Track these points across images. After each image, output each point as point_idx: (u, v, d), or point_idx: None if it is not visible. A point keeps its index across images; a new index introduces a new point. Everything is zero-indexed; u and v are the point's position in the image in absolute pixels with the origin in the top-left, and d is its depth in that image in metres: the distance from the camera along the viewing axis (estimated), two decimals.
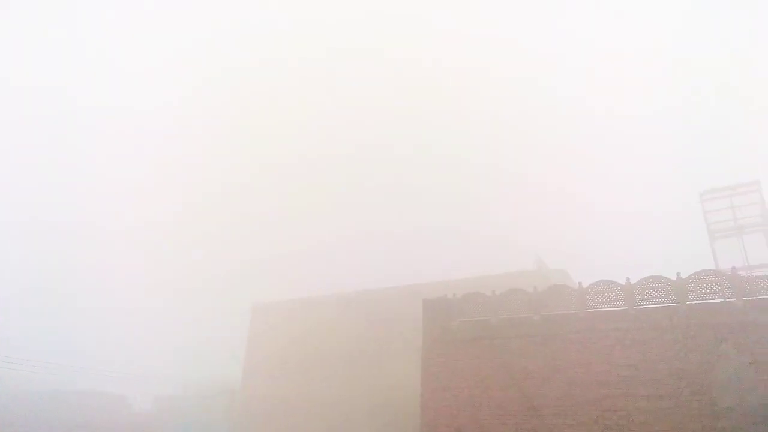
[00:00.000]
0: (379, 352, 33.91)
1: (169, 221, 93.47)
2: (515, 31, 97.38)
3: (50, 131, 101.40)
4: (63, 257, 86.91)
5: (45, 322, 71.36)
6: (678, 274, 18.90)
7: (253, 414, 36.70)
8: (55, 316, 74.38)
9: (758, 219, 26.62)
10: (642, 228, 73.93)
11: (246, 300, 43.35)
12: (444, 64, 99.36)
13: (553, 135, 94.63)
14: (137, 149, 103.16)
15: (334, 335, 36.07)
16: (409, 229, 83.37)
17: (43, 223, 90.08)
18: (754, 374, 16.75)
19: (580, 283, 20.69)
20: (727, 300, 18.01)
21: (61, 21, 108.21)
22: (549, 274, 32.72)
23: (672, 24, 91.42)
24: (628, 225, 76.54)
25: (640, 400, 17.84)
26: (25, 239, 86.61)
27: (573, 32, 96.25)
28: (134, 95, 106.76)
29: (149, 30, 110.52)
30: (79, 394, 44.54)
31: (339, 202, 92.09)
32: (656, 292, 18.98)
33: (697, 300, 18.41)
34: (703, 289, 18.48)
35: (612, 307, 19.54)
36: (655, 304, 18.94)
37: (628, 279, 19.58)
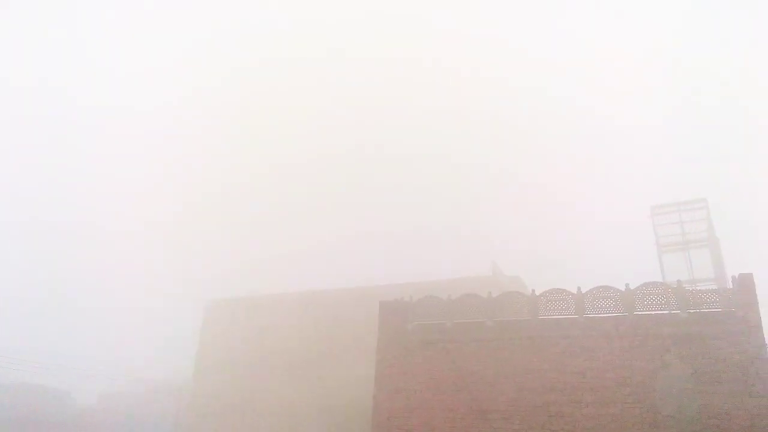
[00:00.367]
0: (334, 353, 33.78)
1: (161, 221, 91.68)
2: (515, 32, 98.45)
3: (50, 131, 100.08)
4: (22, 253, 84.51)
5: None
6: (627, 285, 19.49)
7: (202, 412, 36.03)
8: None
9: (704, 235, 27.71)
10: (601, 237, 75.67)
11: (200, 297, 42.65)
12: (444, 65, 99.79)
13: (532, 136, 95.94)
14: (136, 149, 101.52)
15: (288, 335, 35.74)
16: (367, 232, 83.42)
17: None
18: (695, 384, 17.39)
19: (533, 291, 21.14)
20: (672, 312, 18.64)
21: (61, 21, 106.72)
22: (504, 280, 33.26)
23: (672, 26, 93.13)
24: (586, 234, 78.27)
25: (586, 406, 18.30)
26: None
27: (572, 33, 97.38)
28: (134, 95, 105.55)
29: (149, 30, 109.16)
30: (18, 388, 42.91)
31: (302, 204, 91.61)
32: (605, 301, 19.51)
33: (644, 311, 19.00)
34: (650, 300, 19.09)
35: (563, 314, 19.99)
36: (604, 313, 19.46)
37: (579, 288, 20.06)
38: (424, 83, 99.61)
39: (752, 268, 18.74)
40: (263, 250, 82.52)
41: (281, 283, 49.48)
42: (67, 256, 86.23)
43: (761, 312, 17.80)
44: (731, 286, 18.92)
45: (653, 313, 18.84)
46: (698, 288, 22.18)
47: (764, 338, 17.37)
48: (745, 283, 18.09)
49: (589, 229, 78.53)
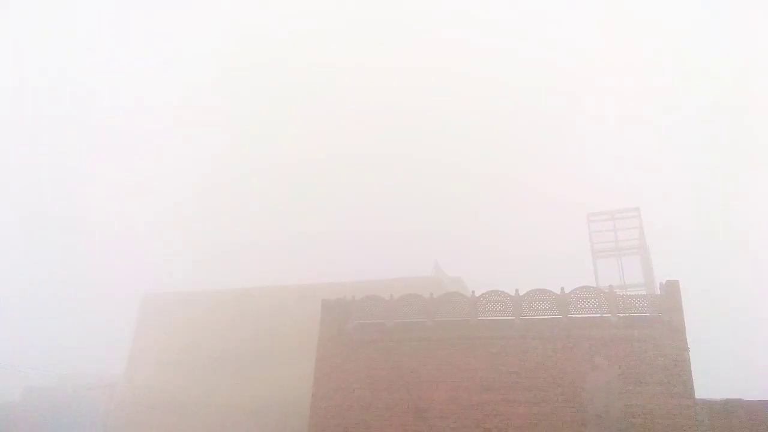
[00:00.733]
0: (273, 351, 33.42)
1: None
2: (515, 37, 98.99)
3: (49, 130, 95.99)
4: None
5: None
6: (562, 288, 20.15)
7: (135, 408, 34.93)
8: None
9: (636, 242, 28.99)
10: (544, 241, 77.52)
11: (134, 290, 41.37)
12: (444, 69, 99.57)
13: (482, 136, 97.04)
14: (134, 149, 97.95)
15: (226, 331, 35.12)
16: (311, 231, 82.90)
17: None
18: (621, 384, 18.17)
19: (473, 292, 21.58)
20: (604, 315, 19.41)
21: (61, 20, 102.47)
22: (446, 281, 33.75)
23: (672, 29, 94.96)
24: (529, 236, 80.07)
25: (519, 405, 18.82)
26: None
27: (572, 35, 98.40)
28: (134, 95, 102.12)
29: (151, 30, 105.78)
30: None
31: (251, 204, 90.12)
32: (541, 304, 20.13)
33: (577, 314, 19.72)
34: (583, 303, 19.81)
35: (500, 316, 20.51)
36: (540, 315, 20.07)
37: (517, 290, 20.61)
38: (423, 87, 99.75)
39: (679, 275, 19.76)
40: (205, 246, 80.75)
41: (221, 278, 48.63)
42: None
43: (685, 317, 18.75)
44: (659, 292, 19.86)
45: (586, 316, 19.57)
46: (628, 293, 23.14)
47: (686, 342, 18.30)
48: (672, 290, 19.02)
49: (531, 233, 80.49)
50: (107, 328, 56.13)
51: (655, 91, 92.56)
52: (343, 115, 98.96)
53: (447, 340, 20.67)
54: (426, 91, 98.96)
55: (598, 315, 19.47)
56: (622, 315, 19.15)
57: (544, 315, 20.01)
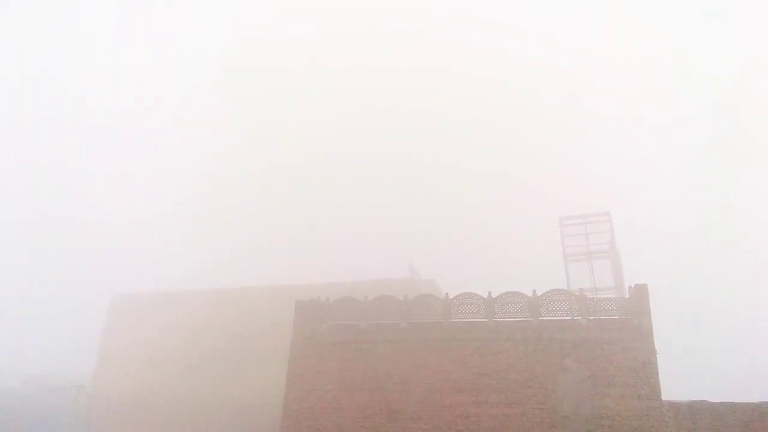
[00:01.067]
0: (245, 351, 33.15)
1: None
2: (515, 37, 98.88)
3: (49, 129, 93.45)
4: None
5: None
6: (534, 291, 20.41)
7: (104, 410, 34.33)
8: None
9: (606, 246, 29.51)
10: (520, 243, 77.95)
11: (104, 291, 40.67)
12: (443, 69, 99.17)
13: (461, 137, 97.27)
14: (131, 149, 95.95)
15: (197, 332, 34.73)
16: (287, 231, 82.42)
17: None
18: (590, 386, 18.46)
19: (446, 294, 21.72)
20: (574, 318, 19.71)
21: (61, 20, 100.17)
22: (420, 283, 33.88)
23: (672, 29, 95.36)
24: (504, 239, 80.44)
25: (491, 406, 19.00)
26: None
27: (572, 35, 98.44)
28: (134, 95, 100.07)
29: (151, 30, 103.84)
30: None
31: (230, 204, 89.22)
32: (513, 306, 20.37)
33: (548, 316, 19.98)
34: (554, 306, 20.09)
35: (473, 318, 20.68)
36: (512, 317, 20.29)
37: (489, 293, 20.81)
38: (421, 87, 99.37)
39: (647, 279, 20.15)
40: (178, 248, 79.71)
41: (194, 278, 48.08)
42: None
43: (653, 320, 19.13)
44: (628, 296, 20.22)
45: (557, 318, 19.84)
46: (598, 296, 23.55)
47: (654, 345, 18.67)
48: (640, 293, 19.39)
49: (508, 235, 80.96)
50: (75, 329, 55.02)
51: (655, 91, 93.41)
52: (335, 115, 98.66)
53: (420, 342, 20.77)
54: (424, 91, 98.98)
55: (569, 318, 19.76)
56: (592, 318, 19.47)
57: (516, 317, 20.24)
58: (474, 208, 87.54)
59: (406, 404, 19.84)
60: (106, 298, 39.10)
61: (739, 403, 17.87)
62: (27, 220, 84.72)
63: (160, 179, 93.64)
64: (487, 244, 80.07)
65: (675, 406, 17.92)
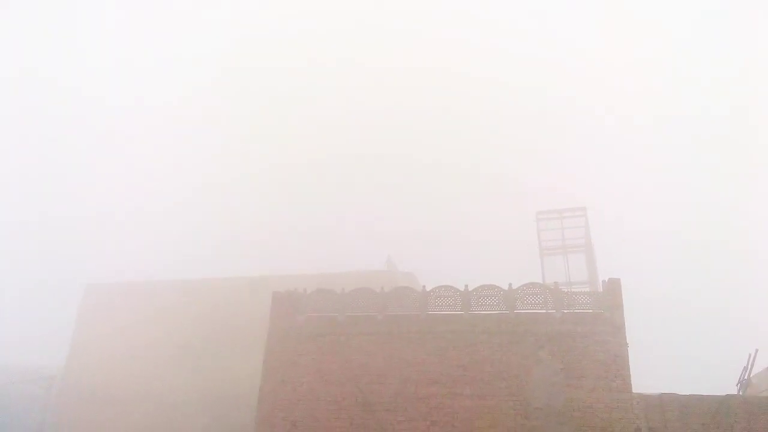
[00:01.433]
0: (222, 343, 32.96)
1: None
2: (514, 36, 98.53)
3: (50, 127, 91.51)
4: None
5: None
6: (510, 284, 20.62)
7: (76, 402, 33.85)
8: None
9: (581, 241, 29.94)
10: (493, 238, 78.48)
11: (76, 280, 40.04)
12: (442, 69, 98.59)
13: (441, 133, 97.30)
14: (126, 149, 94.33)
15: (173, 323, 34.39)
16: (264, 223, 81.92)
17: None
18: (563, 379, 18.75)
19: (423, 287, 21.84)
20: (549, 311, 19.97)
21: (60, 20, 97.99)
22: (398, 275, 33.98)
23: (672, 32, 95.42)
24: (482, 232, 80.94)
25: (465, 398, 19.18)
26: None
27: (572, 35, 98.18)
28: (130, 92, 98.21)
29: (152, 30, 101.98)
30: None
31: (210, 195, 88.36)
32: (490, 299, 20.55)
33: (523, 309, 20.21)
34: (529, 299, 20.34)
35: (450, 310, 20.82)
36: (487, 310, 20.48)
37: (466, 286, 20.97)
38: (420, 87, 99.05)
39: (620, 273, 20.51)
40: (153, 237, 78.72)
41: (170, 269, 47.55)
42: None
43: (625, 314, 19.49)
44: (601, 290, 20.56)
45: (532, 311, 20.09)
46: (573, 290, 23.90)
47: (626, 338, 19.04)
48: (613, 287, 19.73)
49: (486, 228, 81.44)
50: (46, 319, 54.09)
51: (654, 90, 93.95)
52: (320, 114, 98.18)
53: (397, 334, 20.85)
54: (414, 89, 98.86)
55: (544, 311, 20.03)
56: (566, 311, 19.76)
57: (492, 310, 20.43)
58: (453, 202, 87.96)
59: (382, 396, 19.93)
60: (79, 288, 38.49)
61: (706, 395, 18.36)
62: None
63: (142, 174, 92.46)
64: (465, 237, 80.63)
65: (645, 398, 18.31)
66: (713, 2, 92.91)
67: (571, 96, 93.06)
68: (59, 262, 72.26)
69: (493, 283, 20.96)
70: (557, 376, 18.81)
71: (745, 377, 20.57)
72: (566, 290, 23.00)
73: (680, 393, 18.55)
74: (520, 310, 20.20)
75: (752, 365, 20.37)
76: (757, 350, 20.42)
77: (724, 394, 18.64)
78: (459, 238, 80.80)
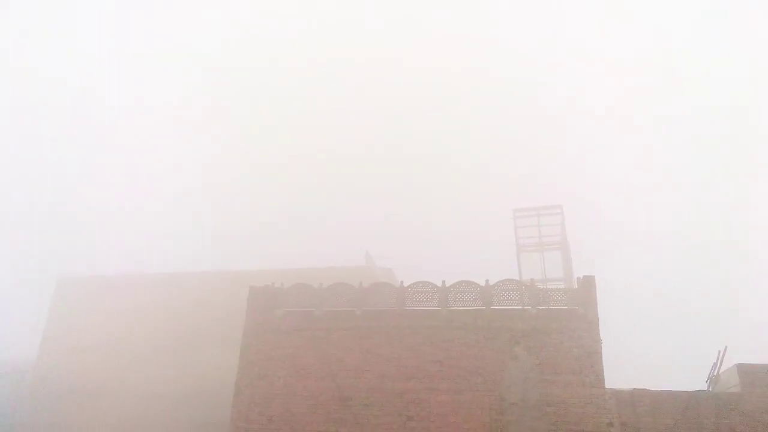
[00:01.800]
0: (198, 338, 32.67)
1: None
2: (514, 33, 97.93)
3: (51, 125, 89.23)
4: None
5: None
6: (486, 280, 20.78)
7: (48, 397, 33.29)
8: None
9: (557, 238, 30.30)
10: (473, 234, 78.75)
11: (49, 273, 39.34)
12: (441, 65, 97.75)
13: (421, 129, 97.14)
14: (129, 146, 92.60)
15: (149, 317, 34.01)
16: (242, 217, 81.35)
17: None
18: (538, 375, 18.97)
19: (401, 282, 21.92)
20: (525, 307, 20.17)
21: (59, 19, 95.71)
22: (376, 271, 34.00)
23: (673, 32, 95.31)
24: (460, 227, 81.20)
25: (441, 393, 19.31)
26: None
27: (573, 33, 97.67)
28: (134, 91, 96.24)
29: (150, 27, 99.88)
30: None
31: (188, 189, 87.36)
32: (466, 295, 20.69)
33: (500, 305, 20.38)
34: (506, 295, 20.51)
35: (427, 306, 20.93)
36: (464, 306, 20.62)
37: (443, 281, 21.08)
38: (419, 84, 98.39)
39: (595, 270, 20.80)
40: (128, 231, 77.62)
41: (144, 263, 47.01)
42: None
43: (599, 310, 19.77)
44: (576, 286, 20.81)
45: (508, 307, 20.27)
46: (549, 287, 24.18)
47: (599, 334, 19.31)
48: (588, 284, 19.99)
49: (466, 224, 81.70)
50: (17, 313, 53.07)
51: (655, 89, 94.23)
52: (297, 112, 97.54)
53: (374, 329, 20.90)
54: (405, 88, 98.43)
55: (520, 307, 20.23)
56: (541, 307, 19.98)
57: (469, 306, 20.58)
58: (433, 198, 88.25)
59: (358, 391, 19.97)
60: (52, 281, 37.84)
61: (677, 391, 18.73)
62: None
63: (125, 170, 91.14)
64: (444, 233, 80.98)
65: (617, 394, 18.61)
66: (714, 2, 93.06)
67: (569, 94, 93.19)
68: (32, 255, 70.93)
69: (471, 279, 21.11)
70: (532, 371, 19.02)
71: (715, 373, 20.99)
72: (542, 287, 23.30)
73: (652, 388, 18.87)
74: (496, 306, 20.36)
75: (721, 362, 20.79)
76: (726, 347, 20.83)
77: (694, 389, 19.03)
78: (438, 233, 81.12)
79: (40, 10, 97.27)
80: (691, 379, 23.83)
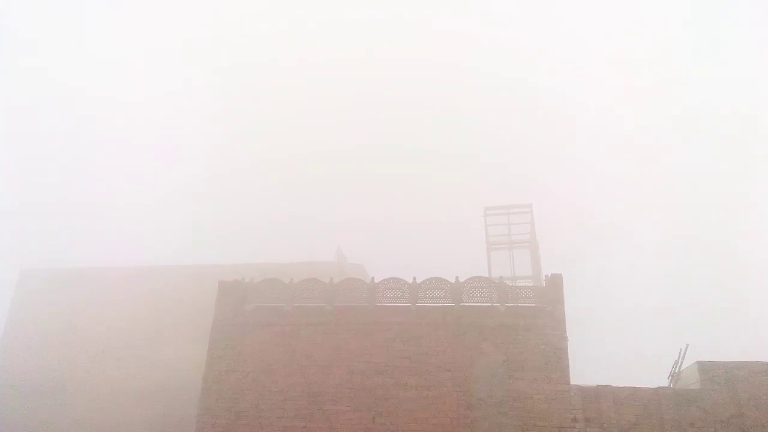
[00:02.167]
0: (166, 333, 32.22)
1: None
2: (515, 31, 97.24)
3: (51, 123, 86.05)
4: None
5: None
6: (456, 277, 20.97)
7: (7, 393, 32.46)
8: None
9: (527, 237, 30.71)
10: (443, 233, 79.08)
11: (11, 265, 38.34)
12: (440, 63, 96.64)
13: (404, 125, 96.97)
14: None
15: (114, 311, 33.37)
16: (212, 212, 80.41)
17: None
18: (505, 371, 19.24)
19: (372, 278, 21.99)
20: (494, 304, 20.43)
21: (57, 18, 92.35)
22: (347, 267, 33.97)
23: (673, 31, 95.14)
24: (432, 226, 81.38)
25: (410, 389, 19.45)
26: None
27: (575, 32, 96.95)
28: (135, 88, 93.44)
29: (159, 21, 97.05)
30: None
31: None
32: (437, 291, 20.86)
33: (469, 302, 20.60)
34: (475, 292, 20.74)
35: (398, 302, 21.03)
36: (434, 303, 20.79)
37: (414, 278, 21.22)
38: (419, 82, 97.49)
39: (562, 268, 21.13)
40: (97, 223, 76.02)
41: (112, 257, 46.16)
42: None
43: (566, 308, 20.13)
44: (544, 284, 21.15)
45: (477, 304, 20.50)
46: (517, 284, 24.50)
47: (566, 332, 19.67)
48: (555, 282, 20.35)
49: (437, 222, 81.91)
50: None
51: (655, 89, 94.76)
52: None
53: (344, 325, 20.92)
54: (395, 82, 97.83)
55: (489, 304, 20.48)
56: (510, 305, 20.25)
57: (439, 303, 20.74)
58: (405, 195, 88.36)
59: (327, 387, 19.98)
60: (14, 273, 36.88)
61: (639, 387, 19.21)
62: None
63: (102, 164, 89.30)
64: (415, 230, 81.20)
65: (582, 390, 18.99)
66: (714, 2, 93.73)
67: (566, 94, 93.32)
68: None
69: (441, 276, 21.28)
70: (500, 367, 19.28)
71: (676, 370, 21.58)
72: (511, 284, 23.60)
73: (615, 385, 19.30)
74: (466, 303, 20.57)
75: (683, 359, 21.38)
76: (687, 345, 21.42)
77: (656, 386, 19.52)
78: (409, 231, 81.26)
79: (40, 10, 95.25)
80: (654, 376, 24.45)
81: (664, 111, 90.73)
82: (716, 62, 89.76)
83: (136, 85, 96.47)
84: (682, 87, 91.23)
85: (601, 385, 19.22)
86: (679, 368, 21.48)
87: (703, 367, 19.23)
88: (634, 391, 19.06)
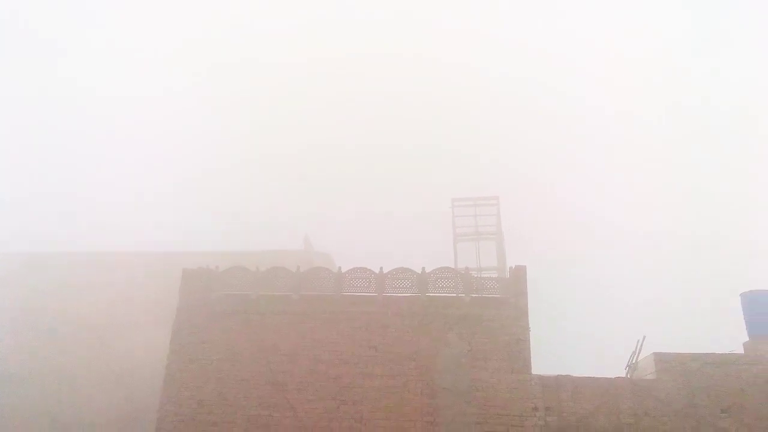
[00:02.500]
0: (127, 320, 31.66)
1: None
2: (515, 29, 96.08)
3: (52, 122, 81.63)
4: None
5: None
6: (423, 268, 21.14)
7: None
8: None
9: (493, 229, 31.10)
10: (410, 224, 79.27)
11: None
12: (441, 61, 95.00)
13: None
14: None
15: (78, 296, 32.63)
16: (174, 195, 79.12)
17: None
18: (469, 361, 19.54)
19: (339, 268, 21.99)
20: (459, 295, 20.68)
21: (56, 17, 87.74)
22: (314, 256, 33.85)
23: (674, 30, 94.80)
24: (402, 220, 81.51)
25: (375, 378, 19.60)
26: None
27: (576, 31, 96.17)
28: (135, 88, 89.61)
29: (149, 24, 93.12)
30: None
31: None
32: (403, 282, 21.01)
33: (435, 293, 20.81)
34: (441, 283, 20.96)
35: (364, 292, 21.12)
36: (401, 293, 20.94)
37: (381, 268, 21.31)
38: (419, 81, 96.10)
39: (526, 260, 21.49)
40: (61, 205, 74.07)
41: (76, 241, 44.96)
42: None
43: (529, 300, 20.50)
44: (509, 276, 21.48)
45: (443, 295, 20.73)
46: (483, 276, 24.84)
47: (528, 323, 20.05)
48: (519, 274, 20.70)
49: (406, 213, 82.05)
50: None
51: (655, 88, 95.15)
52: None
53: (310, 314, 20.93)
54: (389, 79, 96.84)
55: (454, 295, 20.72)
56: (475, 295, 20.53)
57: (405, 293, 20.91)
58: (373, 185, 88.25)
59: (292, 376, 19.99)
60: None
61: (597, 377, 19.75)
62: None
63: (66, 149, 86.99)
64: (383, 220, 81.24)
65: (543, 379, 19.43)
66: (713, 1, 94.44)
67: (563, 90, 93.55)
68: None
69: (408, 266, 21.41)
70: (464, 357, 19.57)
71: (634, 361, 22.20)
72: (476, 275, 23.91)
73: (574, 375, 19.79)
74: (432, 293, 20.78)
75: (640, 350, 22.00)
76: (644, 336, 22.05)
77: (614, 376, 20.09)
78: (377, 221, 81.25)
79: (41, 10, 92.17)
80: (612, 367, 25.09)
81: (664, 110, 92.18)
82: (716, 61, 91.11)
83: (135, 85, 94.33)
84: (682, 86, 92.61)
85: (561, 375, 19.69)
86: (637, 359, 22.10)
87: (660, 358, 19.85)
88: (593, 380, 19.58)
